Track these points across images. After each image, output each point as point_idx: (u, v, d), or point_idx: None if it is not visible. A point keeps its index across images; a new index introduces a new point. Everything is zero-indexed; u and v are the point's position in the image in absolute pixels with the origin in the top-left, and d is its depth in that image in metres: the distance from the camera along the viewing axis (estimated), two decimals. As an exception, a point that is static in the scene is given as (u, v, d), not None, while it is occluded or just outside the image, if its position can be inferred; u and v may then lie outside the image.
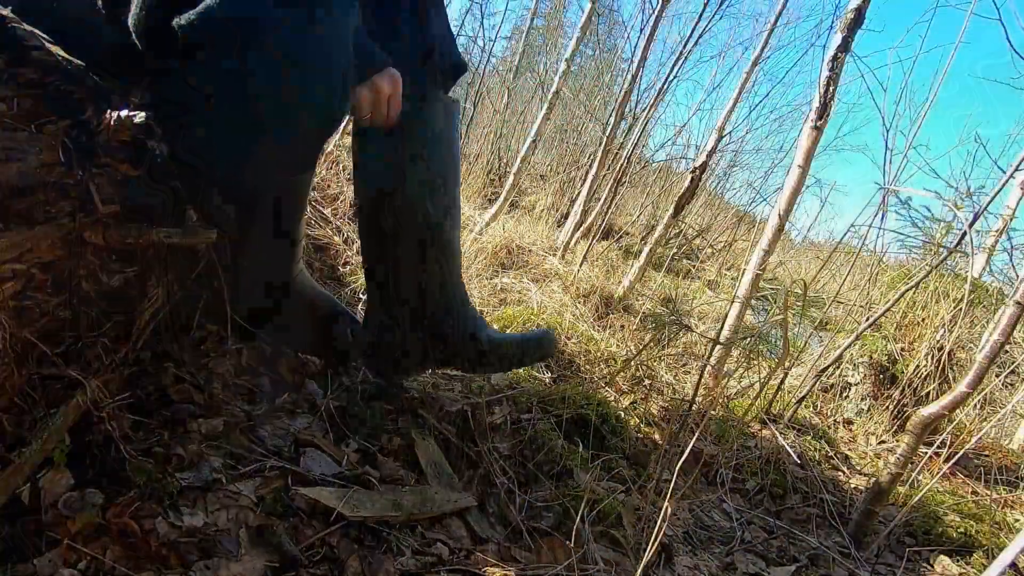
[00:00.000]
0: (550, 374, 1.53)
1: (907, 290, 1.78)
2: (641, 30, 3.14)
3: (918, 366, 2.20)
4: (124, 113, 0.58)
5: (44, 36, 0.53)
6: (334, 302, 1.04)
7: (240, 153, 0.72)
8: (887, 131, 1.91)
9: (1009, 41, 1.53)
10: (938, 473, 1.54)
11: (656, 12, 2.94)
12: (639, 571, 0.73)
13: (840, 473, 1.60)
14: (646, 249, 2.78)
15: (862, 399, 2.31)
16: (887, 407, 2.21)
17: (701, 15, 2.68)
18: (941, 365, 2.19)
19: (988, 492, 1.77)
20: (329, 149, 2.02)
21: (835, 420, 2.17)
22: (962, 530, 1.37)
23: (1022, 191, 3.18)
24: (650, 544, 0.70)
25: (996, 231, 2.71)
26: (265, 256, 0.90)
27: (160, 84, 0.69)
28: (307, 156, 0.76)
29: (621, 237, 4.29)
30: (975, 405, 2.22)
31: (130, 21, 0.60)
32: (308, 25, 0.62)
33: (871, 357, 2.34)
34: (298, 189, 0.84)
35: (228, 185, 0.78)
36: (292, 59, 0.63)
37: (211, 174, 0.76)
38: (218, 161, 0.73)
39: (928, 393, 2.16)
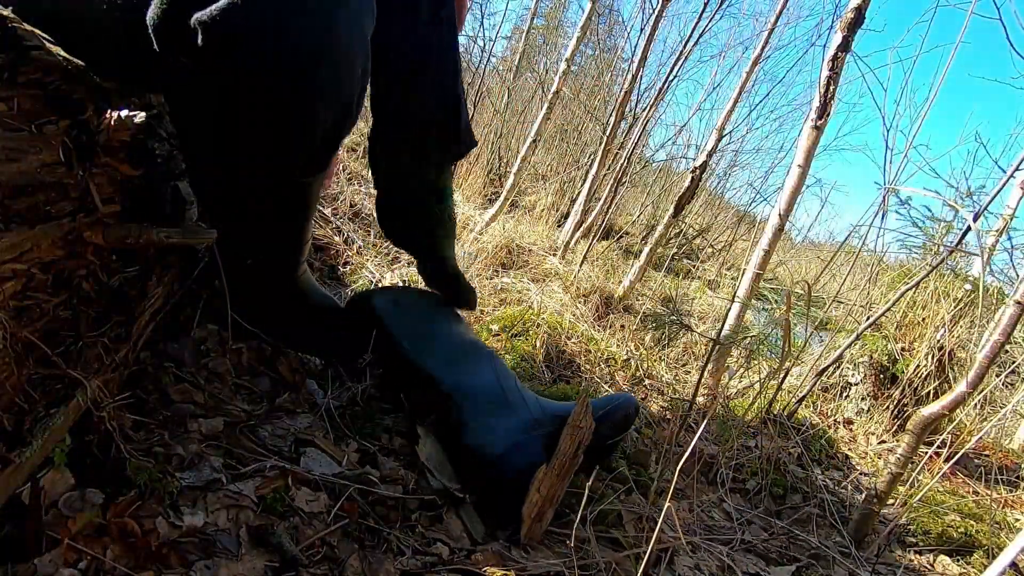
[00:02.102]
0: (550, 374, 1.53)
1: (907, 290, 1.78)
2: (641, 30, 3.15)
3: (918, 366, 2.20)
4: (124, 113, 0.58)
5: (44, 36, 0.53)
6: (336, 304, 1.04)
7: (255, 152, 0.71)
8: (887, 131, 1.90)
9: (1009, 41, 1.53)
10: (938, 473, 1.54)
11: (656, 12, 2.94)
12: (639, 571, 0.73)
13: (840, 473, 1.60)
14: (646, 249, 2.78)
15: (862, 399, 2.31)
16: (887, 407, 2.21)
17: (701, 15, 2.68)
18: (941, 365, 2.19)
19: (988, 492, 1.77)
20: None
21: (835, 420, 2.18)
22: (962, 530, 1.37)
23: (1022, 191, 3.18)
24: (650, 544, 0.70)
25: (996, 231, 2.71)
26: (271, 256, 0.90)
27: (173, 84, 0.68)
28: (324, 153, 0.76)
29: (621, 237, 4.29)
30: (975, 405, 2.22)
31: (148, 17, 0.60)
32: (332, 21, 0.63)
33: (871, 357, 2.34)
34: (311, 188, 0.83)
35: (243, 185, 0.77)
36: (316, 53, 0.63)
37: (224, 173, 0.76)
38: (232, 160, 0.73)
39: (928, 393, 2.16)
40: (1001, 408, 2.41)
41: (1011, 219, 2.69)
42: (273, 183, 0.77)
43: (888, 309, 1.79)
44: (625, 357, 1.81)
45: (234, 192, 0.78)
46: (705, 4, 2.65)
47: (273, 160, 0.73)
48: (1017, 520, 1.61)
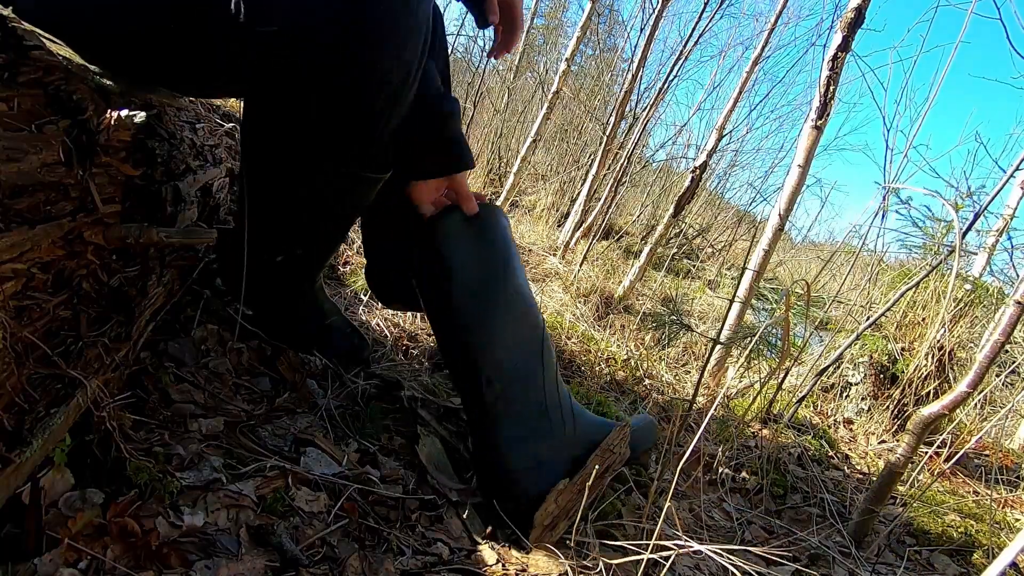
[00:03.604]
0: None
1: (907, 290, 1.78)
2: (641, 30, 3.15)
3: (918, 366, 2.20)
4: (124, 113, 0.58)
5: (45, 35, 0.53)
6: (340, 311, 1.04)
7: (328, 142, 0.74)
8: (887, 130, 1.91)
9: (1009, 41, 1.54)
10: (938, 473, 1.54)
11: (656, 12, 2.94)
12: (640, 571, 0.73)
13: (840, 473, 1.60)
14: (646, 249, 2.78)
15: (862, 399, 2.31)
16: (887, 407, 2.21)
17: (701, 15, 2.68)
18: (941, 365, 2.19)
19: (988, 492, 1.77)
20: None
21: (835, 420, 2.18)
22: (962, 530, 1.37)
23: (1022, 191, 3.19)
24: (650, 545, 0.70)
25: (996, 231, 2.71)
26: (308, 252, 0.90)
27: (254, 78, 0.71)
28: (384, 148, 0.78)
29: (621, 237, 4.29)
30: (975, 405, 2.22)
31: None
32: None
33: (871, 357, 2.34)
34: (371, 190, 0.84)
35: (310, 177, 0.78)
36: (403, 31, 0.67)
37: (295, 164, 0.77)
38: (308, 151, 0.75)
39: (928, 393, 2.16)
40: (1001, 408, 2.41)
41: (1011, 219, 2.69)
42: (342, 175, 0.78)
43: (888, 309, 1.79)
44: (625, 357, 1.81)
45: (299, 186, 0.79)
46: (705, 4, 2.65)
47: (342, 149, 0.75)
48: (1017, 520, 1.61)
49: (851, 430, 2.15)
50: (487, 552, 0.75)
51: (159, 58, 0.69)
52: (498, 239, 0.90)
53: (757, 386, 1.72)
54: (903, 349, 2.31)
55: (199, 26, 0.64)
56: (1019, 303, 1.02)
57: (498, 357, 0.85)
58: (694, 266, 5.31)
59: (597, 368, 1.67)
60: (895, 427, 2.15)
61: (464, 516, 0.81)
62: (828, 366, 1.85)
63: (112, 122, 0.58)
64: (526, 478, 0.83)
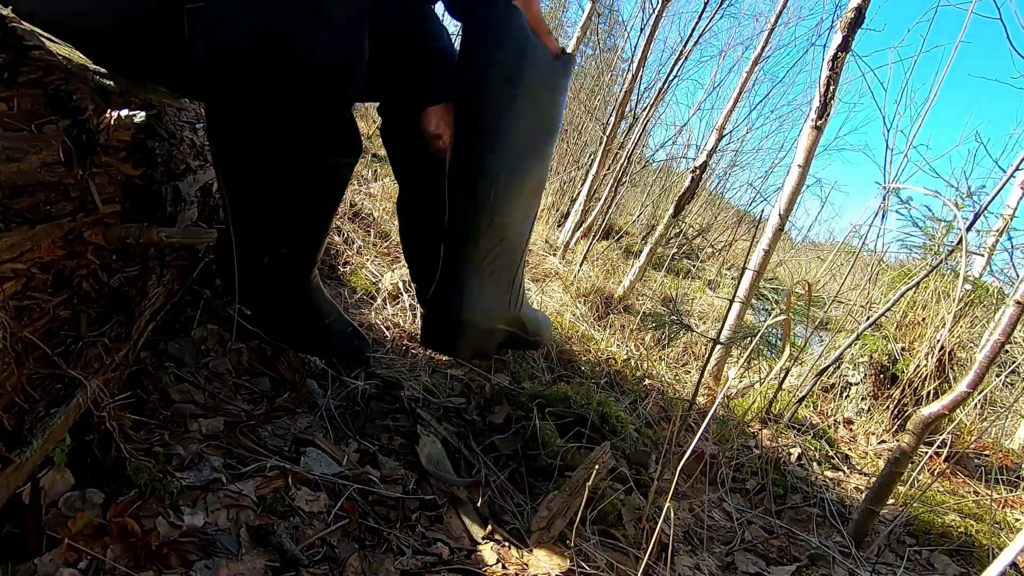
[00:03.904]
0: (550, 374, 1.53)
1: (907, 290, 1.78)
2: (641, 30, 3.15)
3: (918, 366, 2.20)
4: (124, 113, 0.58)
5: (45, 35, 0.53)
6: (340, 311, 1.04)
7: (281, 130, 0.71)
8: (887, 130, 1.91)
9: (1009, 41, 1.54)
10: (938, 473, 1.54)
11: (656, 12, 2.94)
12: (639, 571, 0.73)
13: (840, 473, 1.60)
14: (646, 249, 2.78)
15: (862, 399, 2.31)
16: (887, 407, 2.21)
17: (701, 15, 2.68)
18: (941, 365, 2.19)
19: (988, 492, 1.77)
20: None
21: (835, 420, 2.18)
22: (962, 530, 1.37)
23: (1022, 191, 3.19)
24: (650, 544, 0.70)
25: (996, 231, 2.71)
26: (291, 250, 0.89)
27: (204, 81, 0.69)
28: (335, 128, 0.75)
29: (621, 237, 4.29)
30: (975, 405, 2.22)
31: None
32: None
33: (871, 357, 2.34)
34: (339, 175, 0.83)
35: (277, 170, 0.77)
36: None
37: (259, 161, 0.76)
38: (266, 143, 0.73)
39: (928, 393, 2.16)
40: (1001, 408, 2.41)
41: (1011, 219, 2.69)
42: (305, 165, 0.77)
43: (888, 309, 1.79)
44: (625, 357, 1.81)
45: (266, 180, 0.78)
46: (705, 4, 2.65)
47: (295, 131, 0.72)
48: (1017, 520, 1.61)
49: (851, 430, 2.15)
50: (487, 552, 0.75)
51: (159, 58, 0.69)
52: (568, 86, 0.83)
53: (757, 386, 1.72)
54: (903, 349, 2.31)
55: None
56: (1019, 303, 1.02)
57: (511, 209, 0.77)
58: (694, 266, 5.31)
59: (597, 368, 1.67)
60: (895, 427, 2.15)
61: (464, 516, 0.81)
62: (828, 366, 1.86)
63: (112, 122, 0.58)
64: (471, 336, 0.85)
